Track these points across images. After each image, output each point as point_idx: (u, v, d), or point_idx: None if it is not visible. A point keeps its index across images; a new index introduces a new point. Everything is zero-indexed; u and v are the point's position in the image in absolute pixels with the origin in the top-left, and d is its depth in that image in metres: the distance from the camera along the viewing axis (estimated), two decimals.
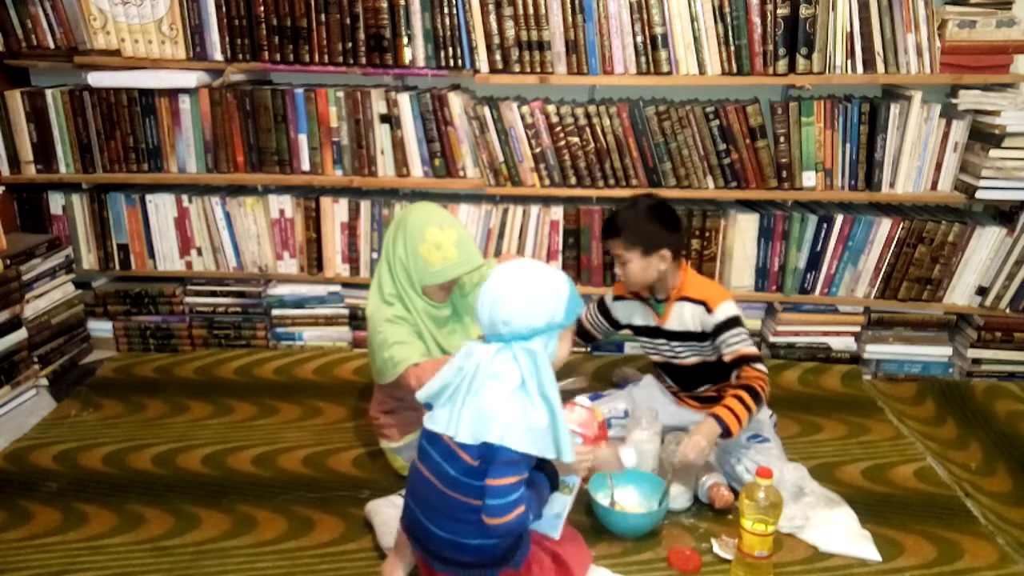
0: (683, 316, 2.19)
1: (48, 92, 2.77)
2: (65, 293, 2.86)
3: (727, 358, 2.11)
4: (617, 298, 2.34)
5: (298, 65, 2.69)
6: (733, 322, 2.11)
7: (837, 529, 1.95)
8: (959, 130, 2.62)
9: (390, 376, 2.00)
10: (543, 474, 1.65)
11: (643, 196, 2.21)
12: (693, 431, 1.99)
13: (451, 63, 2.64)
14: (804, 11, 2.49)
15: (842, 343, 2.87)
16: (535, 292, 1.57)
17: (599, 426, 1.98)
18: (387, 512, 1.91)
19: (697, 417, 2.28)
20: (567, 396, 2.12)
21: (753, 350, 2.10)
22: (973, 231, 2.67)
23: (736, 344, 2.09)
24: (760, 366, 2.07)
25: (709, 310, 2.13)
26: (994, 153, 2.54)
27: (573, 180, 2.72)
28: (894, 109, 2.60)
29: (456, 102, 2.68)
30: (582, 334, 2.45)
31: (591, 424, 1.92)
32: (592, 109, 2.63)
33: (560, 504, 1.75)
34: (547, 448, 1.55)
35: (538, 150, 2.69)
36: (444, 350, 2.10)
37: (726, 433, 1.97)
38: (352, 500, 2.07)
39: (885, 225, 2.70)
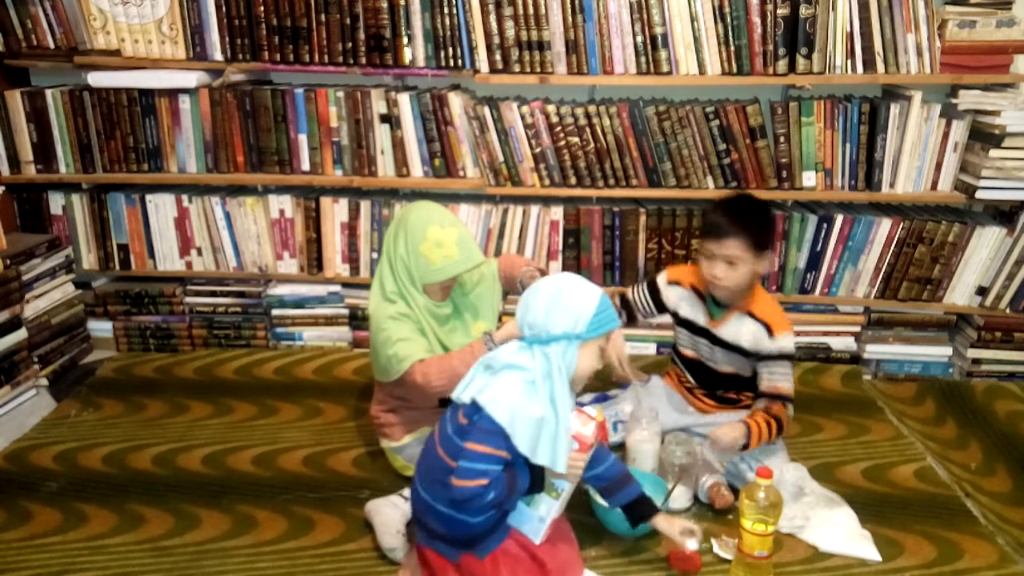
0: (739, 330, 2.13)
1: (48, 92, 2.77)
2: (65, 293, 2.86)
3: (765, 387, 2.09)
4: (672, 283, 2.27)
5: (298, 65, 2.69)
6: (788, 356, 2.09)
7: (837, 529, 1.95)
8: (959, 130, 2.62)
9: (395, 373, 2.00)
10: (527, 466, 1.65)
11: (741, 195, 2.13)
12: (724, 425, 2.01)
13: (451, 63, 2.64)
14: (804, 11, 2.49)
15: (842, 343, 2.87)
16: (558, 301, 1.62)
17: (599, 427, 1.98)
18: (387, 512, 1.91)
19: (701, 421, 2.28)
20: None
21: (791, 390, 2.09)
22: (973, 231, 2.67)
23: (780, 380, 2.08)
24: (790, 408, 2.09)
25: (771, 334, 2.08)
26: (994, 153, 2.54)
27: (573, 180, 2.72)
28: (894, 109, 2.60)
29: (456, 102, 2.68)
30: (623, 306, 2.37)
31: (592, 433, 1.92)
32: (592, 109, 2.63)
33: (545, 507, 1.73)
34: (529, 442, 1.58)
35: (538, 150, 2.69)
36: (446, 347, 2.10)
37: (745, 445, 1.99)
38: (352, 500, 2.07)
39: (885, 225, 2.70)
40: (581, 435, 1.78)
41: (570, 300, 1.62)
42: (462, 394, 1.64)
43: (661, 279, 2.30)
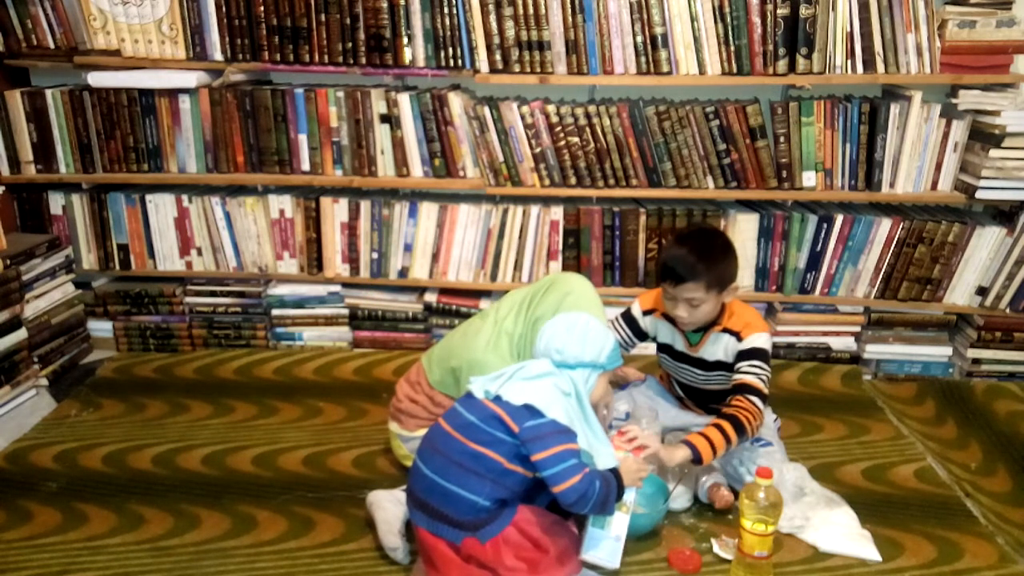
0: (717, 348, 2.11)
1: (48, 92, 2.77)
2: (65, 293, 2.86)
3: (733, 382, 2.05)
4: (647, 312, 2.24)
5: (298, 65, 2.69)
6: (756, 353, 2.04)
7: (837, 529, 1.95)
8: (959, 130, 2.62)
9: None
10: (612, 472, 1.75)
11: (698, 231, 2.03)
12: (664, 448, 1.94)
13: (451, 63, 2.64)
14: (804, 11, 2.49)
15: (842, 343, 2.87)
16: (587, 333, 1.80)
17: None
18: (389, 508, 1.90)
19: (699, 420, 2.28)
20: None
21: (759, 384, 2.01)
22: (973, 231, 2.67)
23: (746, 374, 2.02)
24: (756, 400, 1.99)
25: (740, 338, 2.05)
26: (994, 153, 2.54)
27: (573, 180, 2.72)
28: (894, 109, 2.60)
29: (456, 102, 2.68)
30: None
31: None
32: (592, 109, 2.63)
33: (620, 525, 1.77)
34: (584, 438, 1.71)
35: (538, 150, 2.69)
36: None
37: (696, 461, 1.93)
38: (352, 500, 2.07)
39: (885, 225, 2.70)
40: (640, 436, 1.91)
41: (596, 334, 1.81)
42: (503, 394, 1.70)
43: (635, 309, 2.26)
